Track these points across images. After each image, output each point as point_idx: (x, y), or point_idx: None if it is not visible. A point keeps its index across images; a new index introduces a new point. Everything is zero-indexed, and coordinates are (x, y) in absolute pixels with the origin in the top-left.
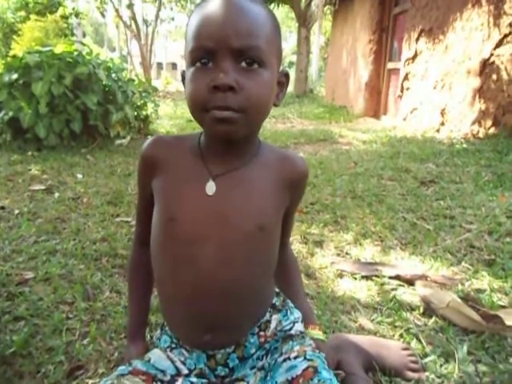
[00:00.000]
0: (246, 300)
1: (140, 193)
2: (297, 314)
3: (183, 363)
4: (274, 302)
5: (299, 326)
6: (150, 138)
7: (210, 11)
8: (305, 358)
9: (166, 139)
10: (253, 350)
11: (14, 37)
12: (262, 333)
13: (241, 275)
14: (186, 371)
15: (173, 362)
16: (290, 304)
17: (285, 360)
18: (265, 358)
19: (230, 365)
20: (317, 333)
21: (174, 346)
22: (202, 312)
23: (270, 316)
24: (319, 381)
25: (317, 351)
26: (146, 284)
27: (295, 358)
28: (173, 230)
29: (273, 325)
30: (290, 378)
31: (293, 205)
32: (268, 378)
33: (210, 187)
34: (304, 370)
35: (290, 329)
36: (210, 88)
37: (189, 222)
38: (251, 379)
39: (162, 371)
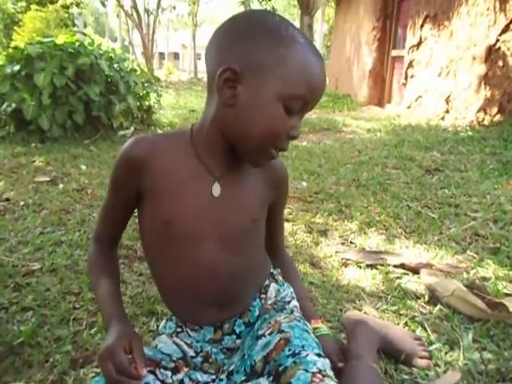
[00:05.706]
0: (247, 278)
1: (115, 195)
2: (291, 288)
3: (190, 346)
4: (271, 271)
5: (295, 303)
6: (131, 139)
7: (315, 65)
8: (278, 332)
9: (151, 138)
10: (256, 313)
11: (15, 28)
12: (263, 295)
13: (239, 260)
14: (192, 353)
15: (178, 345)
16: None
17: (259, 337)
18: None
19: (237, 330)
20: (321, 326)
21: (179, 330)
22: (207, 297)
23: (270, 282)
24: (290, 350)
25: (294, 322)
26: (113, 276)
27: (270, 333)
28: (172, 231)
29: (272, 292)
30: (265, 354)
31: (279, 201)
32: (245, 357)
33: (216, 188)
34: (276, 344)
35: (289, 302)
36: (288, 135)
37: (190, 222)
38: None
39: (169, 355)
